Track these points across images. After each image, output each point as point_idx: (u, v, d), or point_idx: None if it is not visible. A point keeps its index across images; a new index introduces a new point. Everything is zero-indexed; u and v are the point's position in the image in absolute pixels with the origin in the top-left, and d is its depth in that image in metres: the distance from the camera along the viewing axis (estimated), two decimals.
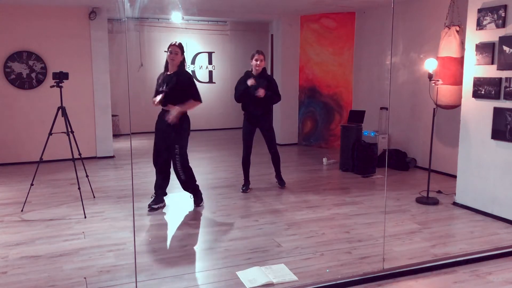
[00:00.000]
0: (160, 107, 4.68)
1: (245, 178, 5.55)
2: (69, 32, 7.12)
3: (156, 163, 4.77)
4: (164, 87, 4.55)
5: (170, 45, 4.60)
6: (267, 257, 3.56)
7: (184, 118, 4.62)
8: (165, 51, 10.67)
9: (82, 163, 5.14)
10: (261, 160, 6.53)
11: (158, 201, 4.78)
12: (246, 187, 5.50)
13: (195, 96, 4.61)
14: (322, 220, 4.46)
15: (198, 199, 4.91)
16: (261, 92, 5.17)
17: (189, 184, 4.81)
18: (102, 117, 7.49)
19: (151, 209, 4.70)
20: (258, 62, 5.27)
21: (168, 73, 4.63)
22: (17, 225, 4.30)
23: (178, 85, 4.52)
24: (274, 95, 5.35)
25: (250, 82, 5.19)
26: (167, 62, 4.65)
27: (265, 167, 6.37)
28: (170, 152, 4.64)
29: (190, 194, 4.96)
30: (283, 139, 8.69)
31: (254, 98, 5.24)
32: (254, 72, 5.33)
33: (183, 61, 4.64)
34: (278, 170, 5.68)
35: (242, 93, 5.26)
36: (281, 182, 5.68)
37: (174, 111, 4.48)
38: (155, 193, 4.83)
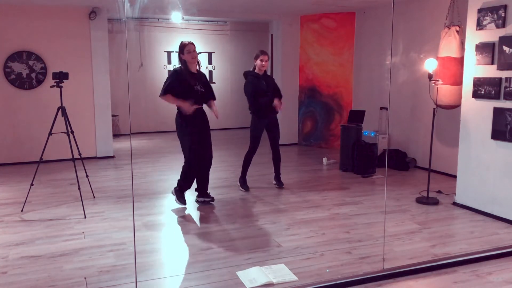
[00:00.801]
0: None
1: (244, 175, 5.56)
2: (69, 32, 7.12)
3: (197, 162, 4.73)
4: (199, 87, 4.65)
5: (186, 45, 4.58)
6: (267, 257, 3.56)
7: None
8: (165, 51, 10.63)
9: (82, 163, 5.14)
10: (261, 160, 6.53)
11: (185, 199, 4.89)
12: (245, 184, 5.52)
13: (214, 95, 4.89)
14: (322, 220, 4.46)
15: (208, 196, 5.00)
16: (279, 107, 5.37)
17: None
18: (102, 117, 7.49)
19: (185, 203, 4.87)
20: (263, 63, 5.30)
21: (193, 72, 4.65)
22: (17, 225, 4.30)
23: (208, 83, 4.80)
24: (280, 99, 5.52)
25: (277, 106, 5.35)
26: (184, 62, 4.61)
27: (265, 167, 6.38)
28: (208, 146, 4.80)
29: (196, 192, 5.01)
30: (283, 139, 8.56)
31: (267, 100, 5.30)
32: (259, 72, 5.36)
33: None
34: (278, 171, 5.68)
35: (257, 100, 5.33)
36: (279, 183, 5.68)
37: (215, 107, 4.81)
38: (182, 190, 4.84)
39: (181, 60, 4.66)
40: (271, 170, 5.81)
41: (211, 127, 4.88)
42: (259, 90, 5.31)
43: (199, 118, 4.69)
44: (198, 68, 4.73)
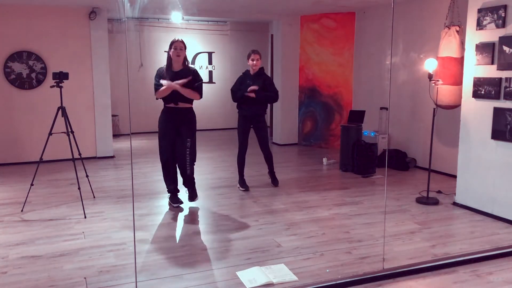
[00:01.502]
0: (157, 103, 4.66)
1: (241, 175, 5.59)
2: (69, 32, 7.12)
3: (166, 160, 4.74)
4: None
5: (174, 42, 4.60)
6: (267, 257, 3.56)
7: (193, 113, 4.75)
8: (165, 51, 10.68)
9: (82, 163, 5.14)
10: (261, 160, 6.50)
11: (178, 199, 4.85)
12: (245, 184, 5.54)
13: (200, 92, 4.70)
14: (322, 220, 4.46)
15: (194, 194, 4.87)
16: (251, 93, 5.27)
17: (192, 179, 4.83)
18: (102, 117, 7.48)
19: (180, 203, 4.83)
20: (254, 62, 5.35)
21: (175, 70, 4.63)
22: (17, 225, 4.30)
23: (190, 82, 4.57)
24: (270, 94, 5.44)
25: (250, 89, 5.27)
26: (169, 59, 4.64)
27: (264, 167, 6.33)
28: (180, 146, 4.66)
29: (186, 189, 4.95)
30: (283, 139, 8.69)
31: (250, 98, 5.33)
32: (251, 72, 5.40)
33: (186, 58, 4.71)
34: (271, 168, 5.73)
35: (240, 96, 5.37)
36: (274, 180, 5.70)
37: (179, 87, 4.53)
38: (171, 192, 4.83)
39: (168, 56, 4.68)
40: None
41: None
42: (242, 88, 5.35)
43: (175, 115, 4.66)
44: (184, 65, 4.69)
